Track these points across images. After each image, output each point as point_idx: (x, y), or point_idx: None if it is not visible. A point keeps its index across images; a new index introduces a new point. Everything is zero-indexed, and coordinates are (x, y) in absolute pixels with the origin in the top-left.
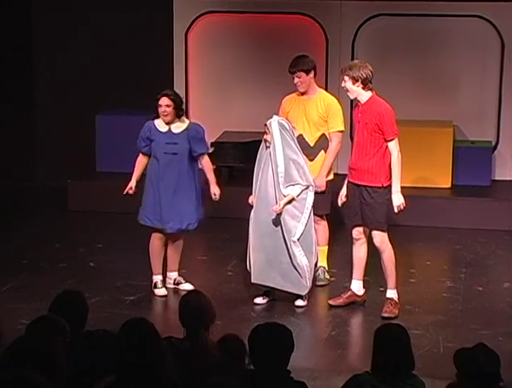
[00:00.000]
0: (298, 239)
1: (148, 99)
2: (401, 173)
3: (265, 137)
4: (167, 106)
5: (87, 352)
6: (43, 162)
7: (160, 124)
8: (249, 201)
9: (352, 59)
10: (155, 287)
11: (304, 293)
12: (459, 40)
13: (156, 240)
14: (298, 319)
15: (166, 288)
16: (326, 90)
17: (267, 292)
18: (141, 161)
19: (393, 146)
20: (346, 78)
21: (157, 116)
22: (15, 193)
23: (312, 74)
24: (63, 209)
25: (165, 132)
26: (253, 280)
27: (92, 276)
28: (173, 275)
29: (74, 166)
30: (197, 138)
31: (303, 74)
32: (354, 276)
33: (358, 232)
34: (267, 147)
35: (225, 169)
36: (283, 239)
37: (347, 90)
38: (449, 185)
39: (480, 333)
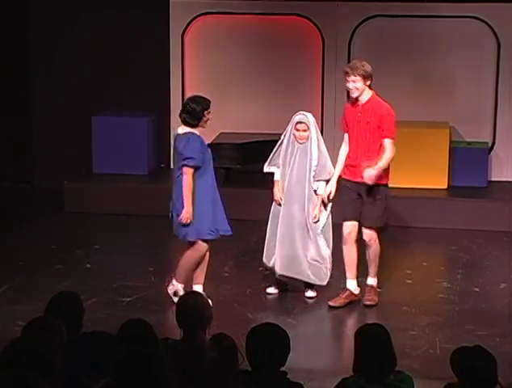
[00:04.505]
0: (321, 230)
1: (144, 100)
2: (398, 173)
3: (304, 134)
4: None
5: (84, 354)
6: (39, 163)
7: (200, 134)
8: (277, 198)
9: (349, 60)
10: (175, 295)
11: (325, 282)
12: (455, 41)
13: (206, 251)
14: (295, 320)
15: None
16: (322, 91)
17: (279, 281)
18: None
19: (388, 144)
20: (358, 77)
21: (197, 125)
22: (12, 194)
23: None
24: (59, 211)
25: (203, 140)
26: (279, 272)
27: (88, 277)
28: (198, 287)
29: (71, 168)
30: None
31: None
32: (348, 276)
33: (349, 229)
34: (301, 143)
35: (221, 170)
36: (310, 232)
37: (356, 90)
38: (445, 186)
39: (476, 334)
